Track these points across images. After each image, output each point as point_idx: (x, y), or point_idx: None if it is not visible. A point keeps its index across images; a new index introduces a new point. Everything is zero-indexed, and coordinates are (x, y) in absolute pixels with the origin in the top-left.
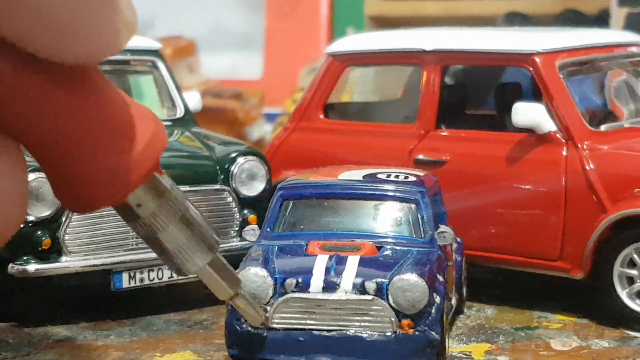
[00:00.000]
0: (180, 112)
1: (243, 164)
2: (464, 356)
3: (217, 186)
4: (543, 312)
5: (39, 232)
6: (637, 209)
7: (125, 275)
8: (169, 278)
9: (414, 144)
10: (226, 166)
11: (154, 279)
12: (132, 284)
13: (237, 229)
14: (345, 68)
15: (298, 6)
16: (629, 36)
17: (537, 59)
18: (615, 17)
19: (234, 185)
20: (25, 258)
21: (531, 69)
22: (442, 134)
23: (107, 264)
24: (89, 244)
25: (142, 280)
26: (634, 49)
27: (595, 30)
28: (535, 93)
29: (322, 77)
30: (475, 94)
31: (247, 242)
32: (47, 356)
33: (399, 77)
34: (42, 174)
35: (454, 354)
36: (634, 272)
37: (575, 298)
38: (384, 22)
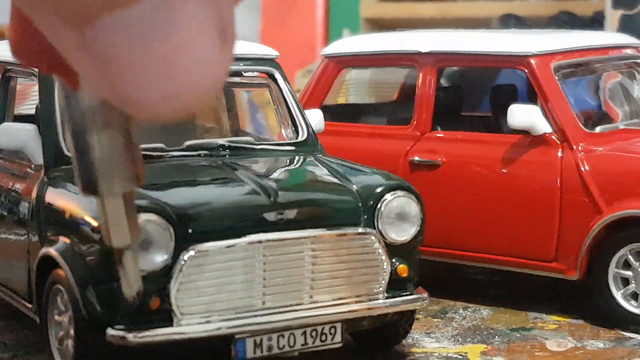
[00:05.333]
0: (303, 134)
1: (391, 201)
2: (460, 357)
3: (360, 229)
4: (538, 313)
5: (146, 289)
6: (632, 211)
7: (250, 343)
8: (302, 345)
9: (410, 145)
10: (370, 203)
11: (284, 346)
12: (259, 353)
13: (384, 282)
14: (341, 70)
15: (293, 8)
16: (623, 38)
17: (533, 61)
18: (609, 19)
19: (380, 227)
20: (127, 322)
21: (526, 71)
22: (438, 135)
23: (228, 329)
24: (205, 304)
25: (270, 348)
26: (628, 51)
27: (590, 32)
28: (531, 95)
29: (318, 79)
30: (471, 95)
31: (397, 300)
32: (44, 356)
33: (395, 79)
34: (152, 215)
35: (450, 354)
36: (628, 273)
37: (570, 299)
38: (379, 24)
